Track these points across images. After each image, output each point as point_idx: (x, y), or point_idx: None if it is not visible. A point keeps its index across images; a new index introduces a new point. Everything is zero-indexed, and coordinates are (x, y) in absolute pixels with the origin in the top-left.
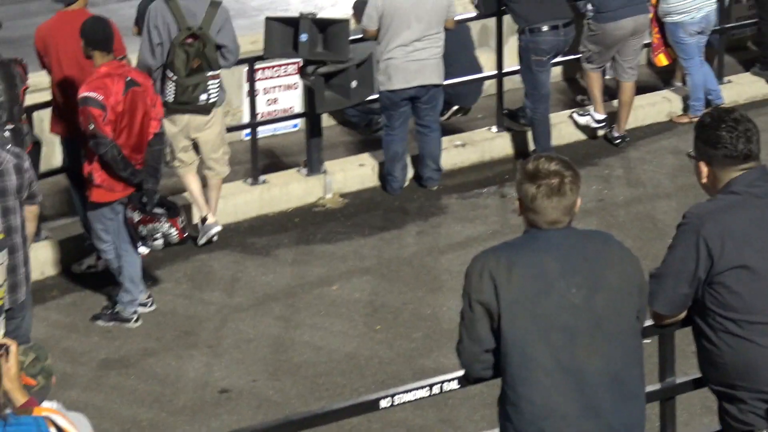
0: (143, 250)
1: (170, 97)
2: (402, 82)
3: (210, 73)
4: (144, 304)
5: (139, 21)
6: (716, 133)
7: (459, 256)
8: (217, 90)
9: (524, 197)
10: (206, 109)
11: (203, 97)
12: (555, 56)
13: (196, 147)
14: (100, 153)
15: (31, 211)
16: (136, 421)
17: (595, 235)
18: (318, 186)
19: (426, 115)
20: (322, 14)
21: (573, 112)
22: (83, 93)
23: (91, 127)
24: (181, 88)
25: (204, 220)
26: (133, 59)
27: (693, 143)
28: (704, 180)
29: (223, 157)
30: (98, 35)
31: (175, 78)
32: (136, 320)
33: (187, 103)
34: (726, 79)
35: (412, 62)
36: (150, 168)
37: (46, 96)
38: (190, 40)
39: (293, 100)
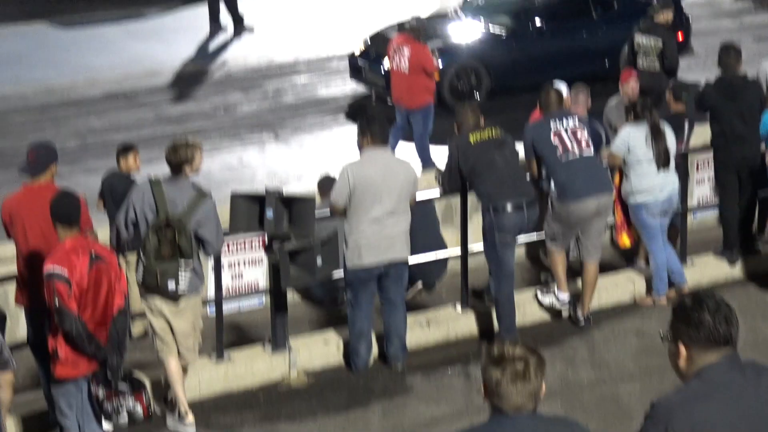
0: (107, 427)
1: (139, 278)
2: (373, 257)
3: (182, 263)
4: None
5: (104, 194)
6: (698, 315)
7: None
8: (188, 280)
9: (489, 381)
10: (174, 298)
11: (171, 285)
12: (519, 235)
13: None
14: (65, 328)
15: (5, 378)
16: None
17: (560, 423)
18: (283, 363)
19: (393, 290)
20: (288, 189)
21: (537, 292)
22: (48, 268)
23: (56, 302)
24: (148, 273)
25: (181, 415)
26: (100, 233)
27: (670, 325)
28: (681, 363)
29: (193, 345)
30: (62, 210)
31: (144, 261)
32: None
33: (154, 288)
34: (689, 260)
35: (383, 238)
36: (115, 343)
37: (12, 267)
38: (164, 227)
39: (258, 275)
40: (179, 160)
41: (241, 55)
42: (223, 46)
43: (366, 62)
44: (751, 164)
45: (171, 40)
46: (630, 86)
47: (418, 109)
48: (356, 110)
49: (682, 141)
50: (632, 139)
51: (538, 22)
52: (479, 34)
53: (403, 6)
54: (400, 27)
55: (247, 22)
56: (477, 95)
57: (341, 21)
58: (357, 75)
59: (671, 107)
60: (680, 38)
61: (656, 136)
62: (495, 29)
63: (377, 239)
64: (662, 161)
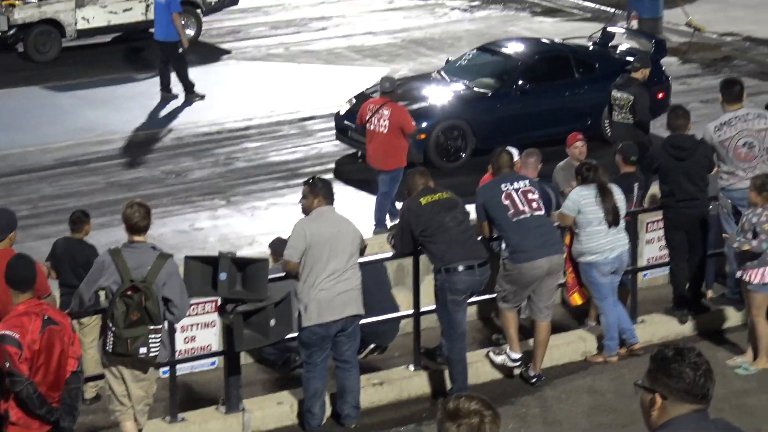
0: None
1: (109, 347)
2: (332, 314)
3: (151, 327)
4: None
5: (56, 261)
6: (680, 368)
7: None
8: (158, 344)
9: None
10: (146, 363)
11: (143, 350)
12: (471, 295)
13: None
14: (16, 390)
15: None
16: None
17: None
18: (237, 424)
19: (347, 349)
20: (240, 253)
21: (489, 351)
22: (0, 331)
23: (7, 364)
24: (119, 340)
25: None
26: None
27: (647, 373)
28: (654, 413)
29: (144, 408)
30: (16, 275)
31: (114, 329)
32: None
33: (125, 355)
34: (639, 318)
35: (339, 294)
36: (67, 406)
37: None
38: (130, 292)
39: (211, 338)
40: (140, 224)
41: (192, 121)
42: (175, 113)
43: (351, 122)
44: (700, 224)
45: (123, 108)
46: (576, 148)
47: (388, 171)
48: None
49: (632, 202)
50: (582, 200)
51: (521, 82)
52: (463, 94)
53: (354, 72)
54: (382, 88)
55: (197, 88)
56: (462, 154)
57: (291, 86)
58: (342, 134)
59: (621, 168)
60: (660, 96)
61: (605, 196)
62: (479, 89)
63: (334, 296)
64: (611, 221)
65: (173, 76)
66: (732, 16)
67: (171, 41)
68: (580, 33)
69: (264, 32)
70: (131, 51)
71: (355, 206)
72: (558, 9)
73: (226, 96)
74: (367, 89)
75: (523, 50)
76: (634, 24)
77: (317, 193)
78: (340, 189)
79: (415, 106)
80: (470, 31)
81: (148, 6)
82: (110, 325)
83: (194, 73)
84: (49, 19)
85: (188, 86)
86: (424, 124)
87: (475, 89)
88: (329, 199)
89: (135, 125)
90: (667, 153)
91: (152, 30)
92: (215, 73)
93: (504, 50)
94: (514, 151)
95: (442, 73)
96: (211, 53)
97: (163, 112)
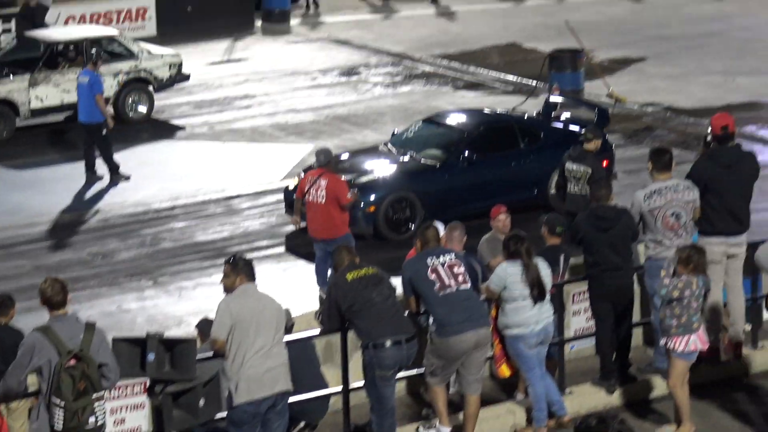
0: None
1: (59, 425)
2: (261, 391)
3: (95, 396)
4: None
5: None
6: None
7: None
8: (103, 413)
9: None
10: None
11: (92, 420)
12: (399, 371)
13: None
14: None
15: None
16: None
17: None
18: None
19: (277, 427)
20: (168, 334)
21: (419, 426)
22: None
23: None
24: (69, 414)
25: None
26: None
27: None
28: None
29: None
30: None
31: (62, 404)
32: None
33: (76, 429)
34: (568, 389)
35: (269, 370)
36: None
37: None
38: (73, 362)
39: (140, 419)
40: (55, 299)
41: (117, 202)
42: (100, 194)
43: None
44: (625, 294)
45: (48, 190)
46: (500, 221)
47: (327, 240)
48: None
49: (558, 274)
50: (508, 276)
51: (467, 153)
52: (411, 166)
53: (278, 150)
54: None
55: (122, 170)
56: (412, 225)
57: (217, 165)
58: (292, 209)
59: (547, 240)
60: (605, 164)
61: (530, 271)
62: (426, 161)
63: (263, 372)
64: (537, 296)
65: (98, 158)
66: (652, 87)
67: (95, 123)
68: (503, 106)
69: (188, 111)
70: (55, 133)
71: (306, 279)
72: (480, 83)
73: (152, 176)
74: (313, 163)
75: (468, 121)
76: (556, 96)
77: (239, 271)
78: (292, 262)
79: (364, 179)
80: (393, 107)
81: None
82: (57, 401)
83: (120, 153)
84: (3, 99)
85: (113, 167)
86: (372, 197)
87: (423, 161)
88: (251, 277)
89: (61, 207)
90: (590, 224)
91: None
92: (141, 153)
93: (449, 122)
94: (440, 226)
95: (389, 145)
96: (136, 134)
97: (89, 194)
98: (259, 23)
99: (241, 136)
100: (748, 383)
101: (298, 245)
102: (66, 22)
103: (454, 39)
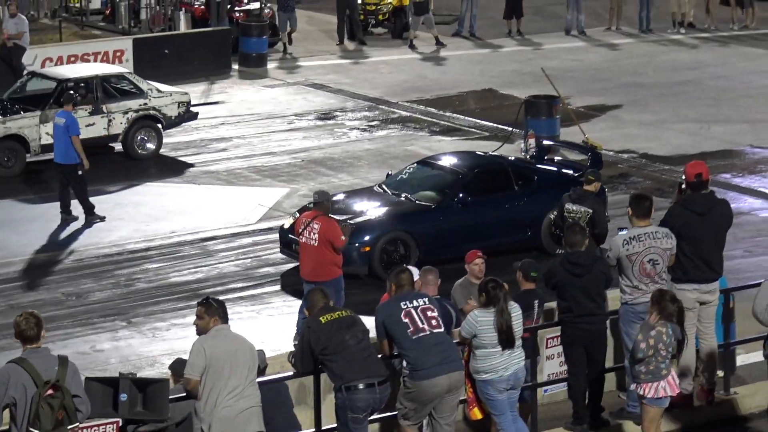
0: None
1: None
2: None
3: (71, 426)
4: None
5: None
6: None
7: None
8: None
9: None
10: None
11: None
12: (371, 413)
13: None
14: None
15: None
16: None
17: None
18: None
19: None
20: (141, 374)
21: None
22: None
23: None
24: None
25: None
26: None
27: None
28: None
29: None
30: None
31: None
32: None
33: None
34: None
35: (242, 411)
36: None
37: None
38: (51, 392)
39: None
40: (29, 333)
41: (92, 243)
42: (75, 235)
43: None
44: (598, 338)
45: (23, 231)
46: (476, 265)
47: (328, 281)
48: None
49: (531, 319)
50: (479, 325)
51: (462, 194)
52: (406, 207)
53: (254, 193)
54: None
55: (97, 210)
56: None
57: (192, 207)
58: (287, 248)
59: (522, 285)
60: None
61: (502, 319)
62: (421, 202)
63: (237, 413)
64: (505, 343)
65: (73, 199)
66: (627, 134)
67: (70, 164)
68: (480, 151)
69: (164, 153)
70: (30, 173)
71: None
72: (456, 128)
73: (127, 217)
74: (309, 203)
75: (463, 164)
76: (532, 143)
77: (213, 313)
78: (265, 304)
79: (359, 220)
80: (370, 151)
81: (110, 121)
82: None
83: (94, 197)
84: (14, 135)
85: (88, 208)
86: (367, 237)
87: (418, 202)
88: (224, 318)
89: (35, 247)
90: (564, 269)
91: (112, 144)
92: (116, 194)
93: (444, 164)
94: (414, 270)
95: (384, 186)
96: (113, 175)
97: (64, 234)
98: (236, 66)
99: (216, 178)
100: (721, 429)
101: (274, 288)
102: (42, 65)
103: (430, 84)
